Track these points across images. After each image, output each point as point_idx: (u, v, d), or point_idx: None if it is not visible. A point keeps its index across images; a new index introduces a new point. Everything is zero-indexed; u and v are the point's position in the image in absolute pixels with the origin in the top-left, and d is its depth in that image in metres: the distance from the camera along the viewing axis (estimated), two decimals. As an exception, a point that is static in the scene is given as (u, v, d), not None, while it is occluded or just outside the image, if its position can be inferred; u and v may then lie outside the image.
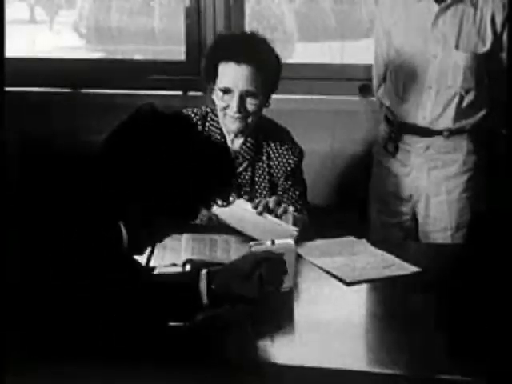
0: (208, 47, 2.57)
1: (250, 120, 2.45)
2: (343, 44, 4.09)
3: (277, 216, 2.29)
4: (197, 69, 3.36)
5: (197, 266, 2.04)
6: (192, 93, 3.41)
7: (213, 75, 2.44)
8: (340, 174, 3.32)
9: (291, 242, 2.05)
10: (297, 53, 4.05)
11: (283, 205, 2.34)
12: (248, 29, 3.44)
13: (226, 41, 2.50)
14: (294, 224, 2.30)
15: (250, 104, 2.42)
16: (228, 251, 2.24)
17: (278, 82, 2.50)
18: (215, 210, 2.23)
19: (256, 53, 2.41)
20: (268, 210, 2.29)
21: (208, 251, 2.22)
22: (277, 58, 2.49)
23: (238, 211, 2.27)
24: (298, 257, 2.15)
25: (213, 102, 2.50)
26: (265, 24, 4.08)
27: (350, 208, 3.13)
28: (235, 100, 2.40)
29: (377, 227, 2.99)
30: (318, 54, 4.05)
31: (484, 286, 2.02)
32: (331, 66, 3.43)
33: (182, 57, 3.42)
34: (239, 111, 2.41)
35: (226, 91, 2.41)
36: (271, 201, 2.31)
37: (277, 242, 2.02)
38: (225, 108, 2.44)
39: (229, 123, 2.46)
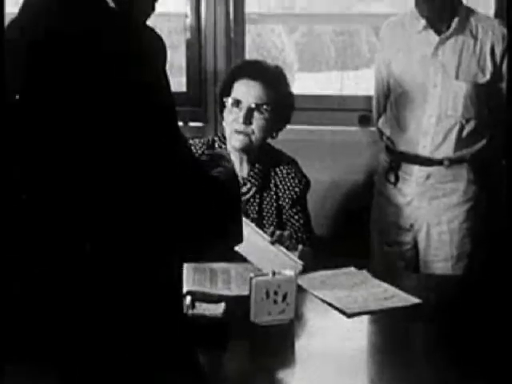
0: (228, 69, 2.78)
1: (253, 137, 2.51)
2: (343, 74, 4.12)
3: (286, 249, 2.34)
4: (197, 100, 3.42)
5: (197, 297, 2.04)
6: (193, 123, 3.42)
7: (228, 92, 2.56)
8: (341, 204, 3.33)
9: (292, 273, 2.05)
10: (297, 83, 4.07)
11: (293, 241, 2.41)
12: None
13: (244, 63, 2.75)
14: (300, 258, 2.33)
15: (257, 119, 2.51)
16: (229, 282, 2.24)
17: (288, 115, 2.62)
18: None
19: (269, 73, 2.57)
20: (279, 241, 2.34)
21: (208, 283, 2.22)
22: (290, 92, 2.62)
23: (249, 236, 2.28)
24: (299, 288, 2.15)
25: (220, 132, 2.56)
26: (265, 55, 4.11)
27: (352, 238, 3.13)
28: (243, 111, 2.50)
29: (378, 257, 2.99)
30: (318, 84, 4.07)
31: (485, 318, 2.02)
32: (331, 97, 3.44)
33: (183, 88, 3.44)
34: (245, 122, 2.49)
35: (236, 103, 2.52)
36: (285, 234, 2.37)
37: (277, 273, 2.02)
38: (232, 121, 2.52)
39: (233, 139, 2.52)
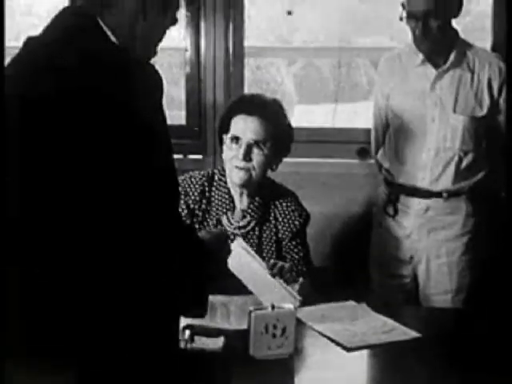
0: (226, 105, 2.73)
1: (253, 173, 2.51)
2: (342, 106, 4.14)
3: (286, 282, 2.33)
4: (197, 133, 3.43)
5: (196, 331, 2.03)
6: (192, 156, 3.44)
7: (226, 128, 2.55)
8: (340, 237, 3.32)
9: (291, 306, 2.04)
10: (296, 115, 4.09)
11: (293, 274, 2.40)
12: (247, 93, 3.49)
13: (241, 98, 2.70)
14: (300, 291, 2.33)
15: (256, 155, 2.50)
16: (228, 316, 2.23)
17: (288, 146, 2.61)
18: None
19: (267, 107, 2.55)
20: (279, 273, 2.33)
21: (207, 316, 2.21)
22: (289, 123, 2.61)
23: (250, 265, 2.29)
24: (298, 322, 2.14)
25: (220, 165, 2.59)
26: (264, 87, 4.14)
27: (351, 270, 3.13)
28: (242, 148, 2.49)
29: (377, 289, 2.98)
30: (317, 116, 4.09)
31: (485, 351, 2.01)
32: (329, 130, 3.46)
33: (183, 121, 3.45)
34: (245, 159, 2.48)
35: (235, 140, 2.51)
36: (286, 266, 2.36)
37: (277, 306, 2.01)
38: (232, 158, 2.51)
39: (234, 175, 2.52)
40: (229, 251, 1.84)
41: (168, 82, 3.79)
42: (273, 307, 2.00)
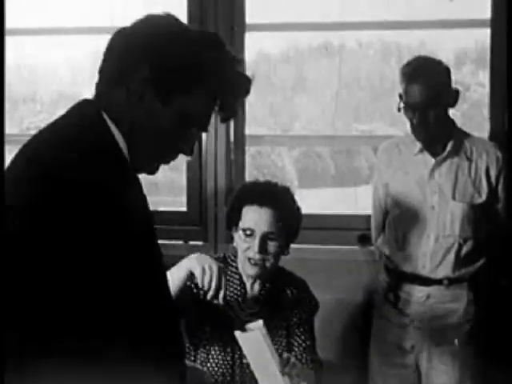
0: (233, 193, 2.70)
1: (268, 264, 2.49)
2: (343, 190, 4.16)
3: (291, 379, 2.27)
4: (198, 219, 3.45)
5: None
6: (193, 242, 3.44)
7: (236, 218, 2.52)
8: (340, 325, 3.29)
9: None
10: (297, 200, 4.10)
11: (302, 376, 2.31)
12: (248, 178, 3.52)
13: (250, 187, 2.63)
14: None
15: (271, 246, 2.48)
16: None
17: (298, 230, 2.58)
18: (238, 334, 2.23)
19: (278, 197, 2.51)
20: (289, 371, 2.26)
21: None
22: (298, 207, 2.58)
23: (264, 354, 2.23)
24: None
25: (232, 250, 2.58)
26: (265, 172, 4.16)
27: (351, 360, 3.09)
28: (257, 241, 2.46)
29: (378, 380, 2.94)
30: (317, 201, 4.11)
31: None
32: (330, 217, 3.47)
33: (184, 207, 3.47)
34: (260, 252, 2.45)
35: (249, 232, 2.47)
36: (299, 368, 2.29)
37: None
38: (246, 250, 2.49)
39: (248, 267, 2.49)
40: None
41: (169, 169, 3.84)
42: None
